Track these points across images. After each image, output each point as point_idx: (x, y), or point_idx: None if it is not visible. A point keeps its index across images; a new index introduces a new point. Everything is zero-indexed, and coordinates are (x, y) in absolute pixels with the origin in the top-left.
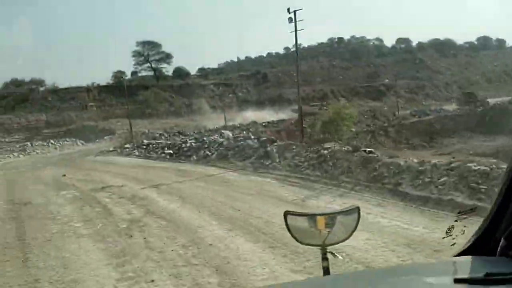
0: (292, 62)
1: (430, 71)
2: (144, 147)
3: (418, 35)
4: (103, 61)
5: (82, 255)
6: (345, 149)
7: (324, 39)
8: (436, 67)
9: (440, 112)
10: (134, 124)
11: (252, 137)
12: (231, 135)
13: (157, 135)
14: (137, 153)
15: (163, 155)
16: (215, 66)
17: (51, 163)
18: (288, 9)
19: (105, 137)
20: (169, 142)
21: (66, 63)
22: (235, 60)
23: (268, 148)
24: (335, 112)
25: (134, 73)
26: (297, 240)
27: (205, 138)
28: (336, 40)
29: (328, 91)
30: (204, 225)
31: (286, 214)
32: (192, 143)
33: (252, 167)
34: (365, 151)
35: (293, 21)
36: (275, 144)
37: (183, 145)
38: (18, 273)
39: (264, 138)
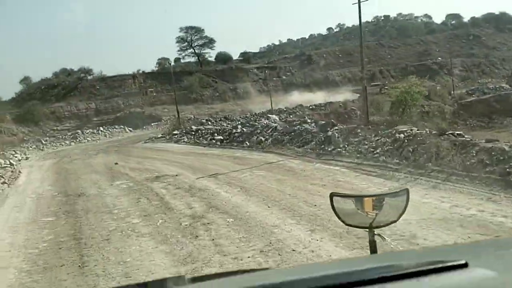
0: (336, 43)
1: (485, 47)
2: (193, 133)
3: (470, 11)
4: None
5: (145, 260)
6: (426, 132)
7: (369, 18)
8: (491, 43)
9: (498, 90)
10: (180, 110)
11: (309, 120)
12: (277, 118)
13: (203, 120)
14: (186, 140)
15: (213, 141)
16: (256, 50)
17: (101, 150)
18: None
19: (152, 124)
20: (217, 127)
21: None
22: (277, 43)
23: (329, 133)
24: (404, 91)
25: (177, 60)
26: (343, 222)
27: (257, 123)
28: (382, 18)
29: (377, 71)
30: (278, 224)
31: (332, 195)
32: (243, 129)
33: (314, 154)
34: (453, 134)
35: None
36: (336, 128)
37: (234, 130)
38: (75, 282)
39: (323, 122)
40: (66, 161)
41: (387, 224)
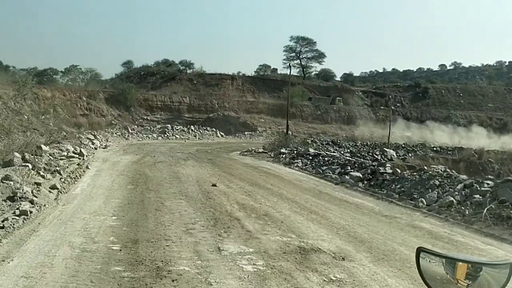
0: (451, 81)
1: None
2: (310, 157)
3: None
4: (250, 53)
5: None
6: None
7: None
8: None
9: None
10: (275, 122)
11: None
12: (395, 155)
13: (309, 141)
14: (300, 164)
15: (346, 177)
16: (357, 74)
17: (191, 154)
18: None
19: (246, 133)
20: (346, 157)
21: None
22: (380, 70)
23: None
24: None
25: (274, 70)
26: (426, 284)
27: (381, 158)
28: (506, 64)
29: (510, 121)
30: None
31: (419, 250)
32: (405, 174)
33: None
34: None
35: None
36: None
37: (381, 169)
38: None
39: None
40: (149, 162)
41: None
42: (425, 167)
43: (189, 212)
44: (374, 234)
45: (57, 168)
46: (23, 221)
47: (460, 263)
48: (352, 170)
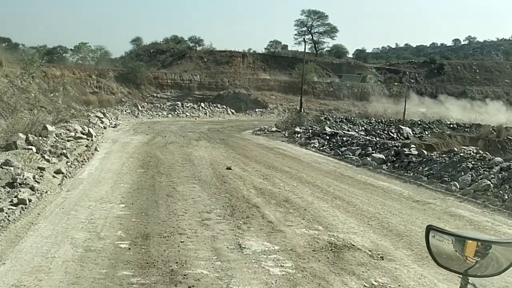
0: (467, 56)
1: None
2: (327, 137)
3: None
4: (262, 28)
5: None
6: None
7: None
8: None
9: None
10: (286, 99)
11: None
12: (411, 132)
13: (322, 118)
14: (317, 145)
15: (367, 159)
16: (369, 50)
17: (203, 134)
18: None
19: (257, 110)
20: (367, 137)
21: (225, 25)
22: (393, 46)
23: None
24: None
25: (284, 47)
26: (435, 262)
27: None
28: None
29: None
30: None
31: (429, 228)
32: (433, 156)
33: None
34: None
35: None
36: None
37: (406, 150)
38: None
39: None
40: (160, 142)
41: (486, 276)
42: (455, 148)
43: (203, 198)
44: (410, 225)
45: (64, 151)
46: (20, 212)
47: (470, 241)
48: (374, 152)
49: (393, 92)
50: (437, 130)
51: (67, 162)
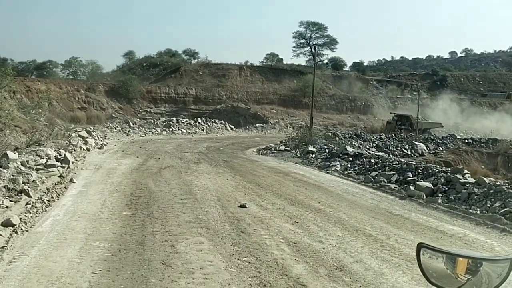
0: (465, 69)
1: None
2: (350, 159)
3: None
4: (258, 41)
5: None
6: None
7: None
8: None
9: None
10: (287, 113)
11: None
12: (425, 149)
13: (330, 134)
14: (339, 168)
15: (412, 188)
16: (365, 63)
17: (202, 154)
18: None
19: (257, 125)
20: (384, 156)
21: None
22: (388, 59)
23: None
24: None
25: (279, 60)
26: (427, 279)
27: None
28: None
29: None
30: None
31: (420, 246)
32: (503, 187)
33: None
34: None
35: None
36: None
37: (460, 177)
38: None
39: None
40: (153, 167)
41: None
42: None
43: (217, 267)
44: None
45: (26, 187)
46: None
47: (461, 259)
48: (416, 178)
49: (397, 105)
50: (452, 146)
51: (26, 203)
